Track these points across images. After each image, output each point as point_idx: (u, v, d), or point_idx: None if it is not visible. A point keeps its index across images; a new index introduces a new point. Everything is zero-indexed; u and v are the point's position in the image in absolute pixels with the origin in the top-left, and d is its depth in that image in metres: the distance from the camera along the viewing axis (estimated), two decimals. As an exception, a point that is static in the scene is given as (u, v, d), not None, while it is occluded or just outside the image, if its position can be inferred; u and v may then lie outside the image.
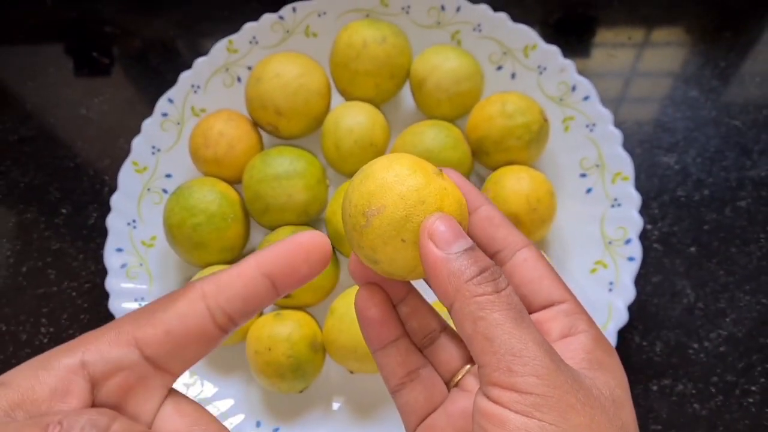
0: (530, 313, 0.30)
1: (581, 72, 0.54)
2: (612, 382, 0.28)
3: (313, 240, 0.29)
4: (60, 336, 0.56)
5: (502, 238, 0.31)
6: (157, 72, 0.65)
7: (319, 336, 0.50)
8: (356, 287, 0.50)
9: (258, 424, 0.51)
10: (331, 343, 0.48)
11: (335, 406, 0.52)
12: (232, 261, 0.53)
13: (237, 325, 0.29)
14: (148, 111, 0.57)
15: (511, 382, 0.25)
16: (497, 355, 0.26)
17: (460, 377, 0.33)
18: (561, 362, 0.26)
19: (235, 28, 0.57)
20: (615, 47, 0.62)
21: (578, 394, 0.25)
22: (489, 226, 0.31)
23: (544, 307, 0.30)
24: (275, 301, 0.32)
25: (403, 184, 0.28)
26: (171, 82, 0.57)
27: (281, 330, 0.48)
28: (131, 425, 0.23)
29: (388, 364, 0.32)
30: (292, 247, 0.29)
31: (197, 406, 0.27)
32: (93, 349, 0.25)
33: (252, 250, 0.52)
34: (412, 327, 0.33)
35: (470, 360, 0.33)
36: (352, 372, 0.50)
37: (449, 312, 0.27)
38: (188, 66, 0.57)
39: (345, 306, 0.49)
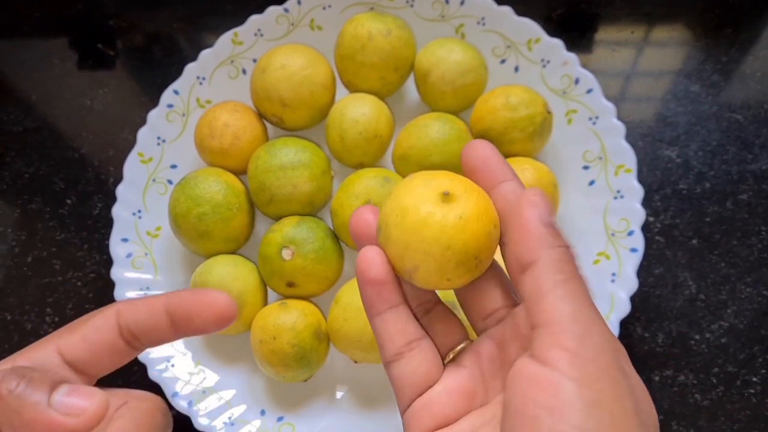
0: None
1: (584, 67, 0.54)
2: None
3: (215, 302, 0.32)
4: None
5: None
6: (161, 65, 0.66)
7: (324, 325, 0.50)
8: None
9: (262, 413, 0.51)
10: (335, 332, 0.49)
11: (339, 394, 0.52)
12: (236, 251, 0.54)
13: (143, 346, 0.33)
14: (152, 103, 0.57)
15: (578, 348, 0.25)
16: (570, 319, 0.26)
17: (458, 350, 0.32)
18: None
19: (238, 23, 0.58)
20: (617, 43, 0.62)
21: (622, 374, 0.25)
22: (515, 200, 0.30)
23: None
24: (178, 339, 0.34)
25: (423, 240, 0.29)
26: (175, 74, 0.58)
27: (286, 319, 0.48)
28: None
29: (387, 332, 0.32)
30: (198, 300, 0.32)
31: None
32: (24, 356, 0.29)
33: (257, 240, 0.52)
34: (407, 291, 0.32)
35: (465, 337, 0.33)
36: (356, 361, 0.50)
37: (524, 271, 0.27)
38: (192, 59, 0.58)
39: (349, 296, 0.49)
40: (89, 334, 0.32)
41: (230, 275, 0.50)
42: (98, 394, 0.29)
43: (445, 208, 0.29)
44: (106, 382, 0.31)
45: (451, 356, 0.32)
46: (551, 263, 0.27)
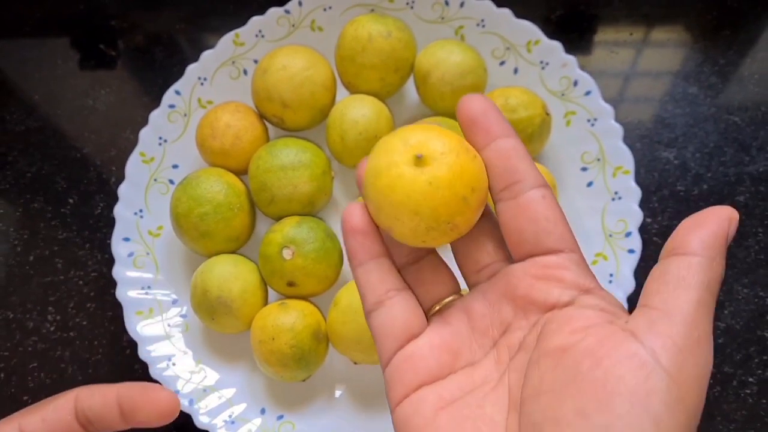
0: (539, 254, 0.29)
1: (583, 68, 0.55)
2: None
3: (158, 400, 0.36)
4: (66, 324, 0.57)
5: (523, 170, 0.30)
6: (163, 65, 0.66)
7: (323, 326, 0.50)
8: None
9: (263, 411, 0.51)
10: (334, 334, 0.49)
11: (339, 393, 0.52)
12: (237, 250, 0.54)
13: (96, 429, 0.37)
14: (154, 103, 0.58)
15: (685, 346, 0.24)
16: (692, 322, 0.25)
17: (445, 302, 0.32)
18: None
19: (240, 23, 0.58)
20: (616, 44, 0.63)
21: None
22: (514, 156, 0.30)
23: (554, 252, 0.29)
24: (127, 427, 0.37)
25: (392, 204, 0.29)
26: (176, 75, 0.58)
27: (285, 320, 0.49)
28: None
29: (369, 281, 0.32)
30: (144, 395, 0.36)
31: None
32: None
33: (258, 240, 0.53)
34: (393, 240, 0.32)
35: (456, 290, 0.33)
36: (356, 362, 0.50)
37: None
38: (193, 60, 0.58)
39: (348, 298, 0.49)
40: (48, 415, 0.36)
41: (231, 275, 0.50)
42: None
43: (415, 172, 0.29)
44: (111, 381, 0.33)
45: (437, 308, 0.32)
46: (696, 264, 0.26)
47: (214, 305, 0.50)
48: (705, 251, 0.26)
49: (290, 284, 0.50)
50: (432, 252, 0.33)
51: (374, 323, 0.32)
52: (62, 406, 0.37)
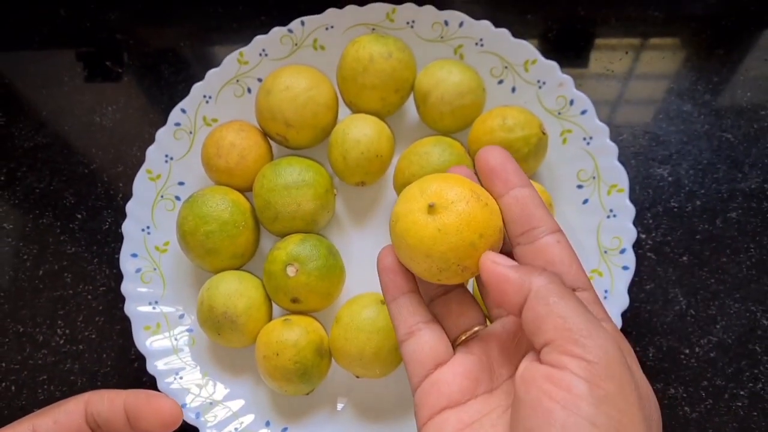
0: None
1: (579, 86, 0.56)
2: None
3: (161, 409, 0.39)
4: (76, 337, 0.58)
5: (539, 217, 0.34)
6: (168, 82, 0.67)
7: (326, 341, 0.52)
8: (359, 297, 0.52)
9: (267, 424, 0.53)
10: (336, 350, 0.51)
11: (341, 406, 0.54)
12: (242, 266, 0.55)
13: None
14: (160, 119, 0.59)
15: (584, 354, 0.28)
16: (571, 330, 0.28)
17: (467, 335, 0.35)
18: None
19: (244, 40, 0.59)
20: (612, 62, 0.64)
21: (628, 373, 0.28)
22: (530, 204, 0.34)
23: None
24: None
25: (408, 247, 0.34)
26: (182, 91, 0.59)
27: (289, 336, 0.50)
28: None
29: (400, 314, 0.36)
30: (148, 403, 0.39)
31: None
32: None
33: (262, 255, 0.54)
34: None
35: (481, 321, 0.36)
36: (357, 376, 0.52)
37: (523, 305, 0.30)
38: (198, 76, 0.59)
39: (349, 315, 0.51)
40: (60, 417, 0.38)
41: (236, 291, 0.52)
42: None
43: (427, 219, 0.33)
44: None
45: (462, 338, 0.35)
46: (539, 291, 0.30)
47: (220, 321, 0.51)
48: (523, 291, 0.31)
49: (294, 300, 0.52)
50: (459, 286, 0.37)
51: (405, 351, 0.36)
52: (73, 409, 0.39)
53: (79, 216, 0.63)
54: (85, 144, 0.65)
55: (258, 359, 0.51)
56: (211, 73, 0.59)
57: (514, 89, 0.59)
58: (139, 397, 0.42)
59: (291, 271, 0.51)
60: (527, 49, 0.57)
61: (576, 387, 0.27)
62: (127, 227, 0.56)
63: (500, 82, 0.59)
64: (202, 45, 0.69)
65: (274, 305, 0.55)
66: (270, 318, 0.54)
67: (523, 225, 0.34)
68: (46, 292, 0.60)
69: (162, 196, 0.58)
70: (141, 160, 0.58)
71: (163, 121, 0.58)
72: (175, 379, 0.53)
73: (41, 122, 0.67)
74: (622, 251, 0.52)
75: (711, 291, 0.56)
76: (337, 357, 0.51)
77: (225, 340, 0.52)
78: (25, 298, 0.60)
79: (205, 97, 0.60)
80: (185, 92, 0.59)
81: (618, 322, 0.50)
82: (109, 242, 0.61)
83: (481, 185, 0.36)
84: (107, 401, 0.41)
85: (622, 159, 0.54)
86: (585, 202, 0.55)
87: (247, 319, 0.52)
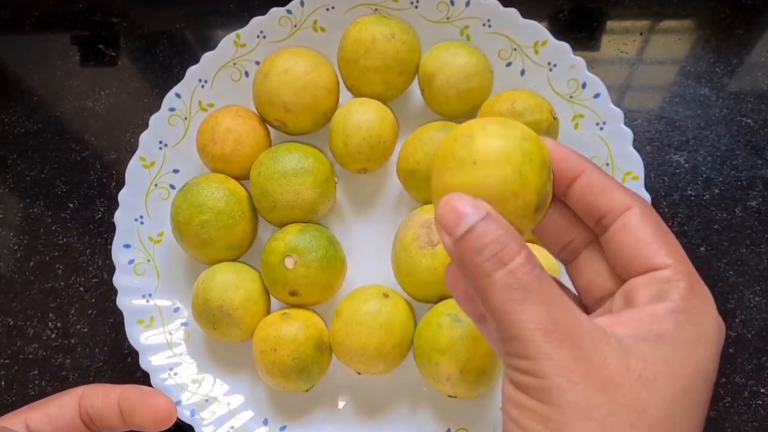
0: (627, 279, 0.30)
1: (591, 69, 0.53)
2: (664, 359, 0.27)
3: (155, 406, 0.40)
4: (67, 331, 0.56)
5: (603, 205, 0.30)
6: (163, 65, 0.65)
7: (326, 336, 0.50)
8: (361, 289, 0.50)
9: (265, 422, 0.51)
10: (337, 345, 0.49)
11: (342, 404, 0.52)
12: (239, 257, 0.53)
13: (98, 428, 0.40)
14: (155, 104, 0.57)
15: (519, 366, 0.26)
16: (504, 339, 0.27)
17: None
18: (565, 340, 0.26)
19: (242, 21, 0.57)
20: (625, 43, 0.61)
21: (576, 373, 0.25)
22: (588, 194, 0.30)
23: (641, 273, 0.29)
24: (127, 429, 0.41)
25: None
26: (177, 75, 0.57)
27: (287, 330, 0.48)
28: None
29: (489, 337, 0.33)
30: (142, 399, 0.40)
31: None
32: None
33: (260, 247, 0.52)
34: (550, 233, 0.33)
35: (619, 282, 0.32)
36: (359, 373, 0.50)
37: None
38: (195, 59, 0.57)
39: (351, 310, 0.48)
40: (53, 411, 0.39)
41: (232, 284, 0.50)
42: None
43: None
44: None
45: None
46: (473, 287, 0.28)
47: (215, 315, 0.49)
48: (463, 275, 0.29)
49: (293, 293, 0.49)
50: (591, 244, 0.33)
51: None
52: (67, 403, 0.40)
53: (71, 205, 0.60)
54: (78, 130, 0.63)
55: (255, 355, 0.49)
56: (207, 57, 0.57)
57: (523, 72, 0.56)
58: (133, 393, 0.41)
59: (289, 262, 0.48)
60: (537, 29, 0.55)
61: (530, 408, 0.27)
62: (119, 217, 0.54)
63: (509, 64, 0.56)
64: (199, 27, 0.67)
65: (272, 298, 0.52)
66: (268, 312, 0.52)
67: (589, 220, 0.31)
68: (37, 284, 0.58)
69: (156, 185, 0.56)
70: (135, 147, 0.55)
71: (158, 107, 0.56)
72: (169, 375, 0.51)
73: (32, 108, 0.64)
74: (637, 242, 0.49)
75: (730, 283, 0.53)
76: (337, 352, 0.49)
77: (221, 335, 0.50)
78: (15, 290, 0.58)
79: (200, 81, 0.57)
80: (181, 76, 0.57)
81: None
82: (101, 232, 0.59)
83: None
84: (101, 396, 0.40)
85: (637, 145, 0.51)
86: (598, 190, 0.52)
87: (244, 312, 0.49)
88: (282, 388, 0.49)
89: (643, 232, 0.29)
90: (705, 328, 0.28)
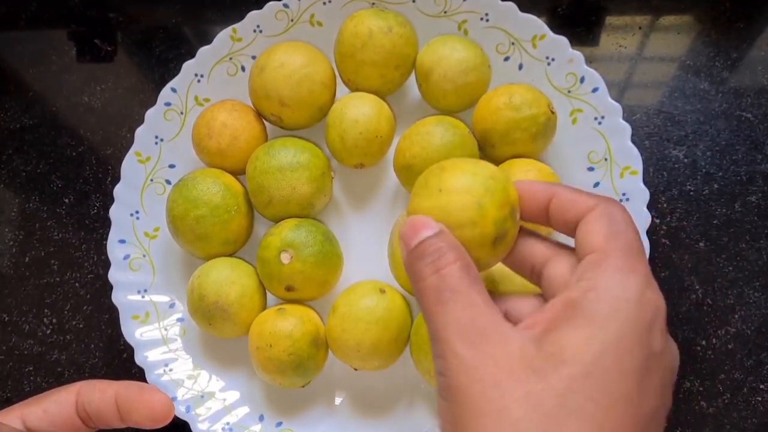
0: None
1: (589, 63, 0.53)
2: (567, 345, 0.26)
3: (153, 403, 0.40)
4: (63, 327, 0.56)
5: (573, 216, 0.31)
6: (160, 60, 0.65)
7: (322, 331, 0.49)
8: (357, 285, 0.49)
9: (261, 418, 0.50)
10: (333, 341, 0.48)
11: (338, 400, 0.52)
12: (235, 252, 0.53)
13: (94, 424, 0.40)
14: (151, 99, 0.56)
15: (437, 366, 0.28)
16: (431, 342, 0.29)
17: None
18: (477, 340, 0.27)
19: (238, 16, 0.56)
20: (624, 37, 0.61)
21: (479, 371, 0.26)
22: (561, 213, 0.32)
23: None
24: (124, 425, 0.41)
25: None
26: (174, 69, 0.57)
27: (283, 326, 0.47)
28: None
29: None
30: (140, 396, 0.40)
31: None
32: None
33: (256, 242, 0.52)
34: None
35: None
36: (356, 369, 0.49)
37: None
38: (191, 54, 0.56)
39: (347, 305, 0.48)
40: (50, 407, 0.38)
41: (228, 279, 0.49)
42: None
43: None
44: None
45: None
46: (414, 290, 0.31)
47: (211, 310, 0.49)
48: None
49: (289, 289, 0.49)
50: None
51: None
52: (64, 399, 0.40)
53: (67, 200, 0.60)
54: (73, 125, 0.63)
55: (251, 351, 0.49)
56: (203, 51, 0.56)
57: (521, 66, 0.56)
58: (130, 389, 0.41)
59: (285, 258, 0.48)
60: (535, 24, 0.54)
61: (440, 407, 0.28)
62: (114, 212, 0.54)
63: (506, 59, 0.56)
64: (195, 22, 0.66)
65: (268, 294, 0.52)
66: (264, 307, 0.51)
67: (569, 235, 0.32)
68: (33, 280, 0.58)
69: (152, 180, 0.56)
70: (131, 142, 0.55)
71: (154, 101, 0.56)
72: (165, 371, 0.51)
73: (28, 103, 0.64)
74: (636, 237, 0.49)
75: (729, 279, 0.53)
76: (333, 348, 0.49)
77: (217, 331, 0.50)
78: (10, 286, 0.58)
79: (196, 75, 0.57)
80: (177, 71, 0.56)
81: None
82: (97, 228, 0.59)
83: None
84: (98, 392, 0.40)
85: (635, 140, 0.51)
86: (596, 185, 0.52)
87: (240, 308, 0.49)
88: (278, 384, 0.48)
89: (594, 225, 0.30)
90: (616, 304, 0.27)
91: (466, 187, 0.31)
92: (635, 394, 0.25)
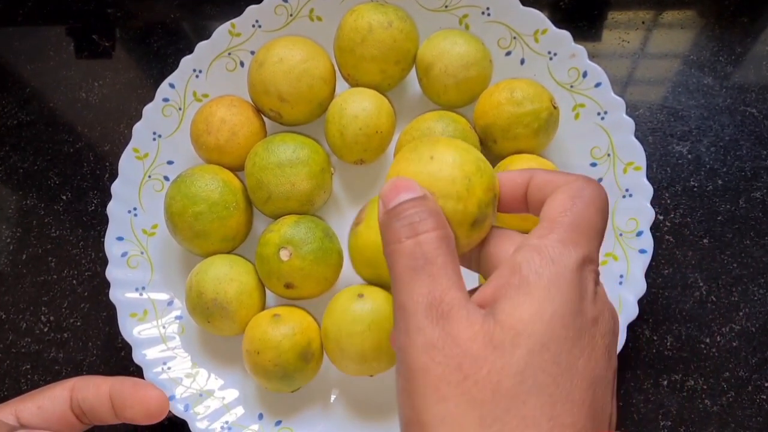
0: None
1: (592, 58, 0.52)
2: (521, 316, 0.26)
3: (148, 399, 0.40)
4: (60, 325, 0.56)
5: (547, 195, 0.31)
6: (158, 56, 0.64)
7: (315, 343, 0.48)
8: (335, 300, 0.48)
9: (260, 417, 0.50)
10: (339, 363, 0.48)
11: (337, 400, 0.51)
12: (233, 250, 0.52)
13: (89, 421, 0.39)
14: (149, 95, 0.56)
15: (396, 342, 0.27)
16: (394, 309, 0.28)
17: None
18: (442, 318, 0.26)
19: (237, 11, 0.56)
20: (627, 32, 0.60)
21: (441, 353, 0.25)
22: (538, 192, 0.32)
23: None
24: (119, 421, 0.40)
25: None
26: (172, 65, 0.56)
27: (273, 335, 0.46)
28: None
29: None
30: (134, 392, 0.39)
31: None
32: None
33: (255, 239, 0.51)
34: None
35: None
36: (371, 375, 0.48)
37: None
38: (190, 49, 0.56)
39: (335, 327, 0.46)
40: (44, 403, 0.38)
41: (226, 276, 0.49)
42: None
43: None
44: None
45: None
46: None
47: (209, 308, 0.48)
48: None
49: (288, 286, 0.48)
50: None
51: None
52: (59, 395, 0.39)
53: (64, 197, 0.60)
54: (71, 121, 0.62)
55: (243, 351, 0.48)
56: (201, 46, 0.56)
57: (523, 61, 0.55)
58: (125, 385, 0.41)
59: (284, 254, 0.47)
60: (537, 18, 0.54)
61: None
62: (112, 209, 0.53)
63: (508, 53, 0.55)
64: (194, 17, 0.66)
65: (268, 292, 0.51)
66: (263, 305, 0.51)
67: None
68: (30, 277, 0.57)
69: (150, 176, 0.55)
70: (129, 138, 0.55)
71: (152, 97, 0.55)
72: (163, 369, 0.50)
73: (25, 99, 0.63)
74: (639, 234, 0.48)
75: (733, 276, 0.52)
76: (343, 369, 0.47)
77: (215, 328, 0.49)
78: (7, 284, 0.57)
79: (194, 71, 0.56)
80: (175, 67, 0.56)
81: (634, 309, 0.47)
82: (94, 225, 0.58)
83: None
84: (93, 388, 0.40)
85: (639, 135, 0.50)
86: (599, 181, 0.51)
87: (239, 305, 0.49)
88: (266, 387, 0.48)
89: (555, 199, 0.30)
90: (558, 269, 0.27)
91: (458, 162, 0.31)
92: (582, 361, 0.25)
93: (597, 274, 0.29)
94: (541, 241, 0.28)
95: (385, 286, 0.48)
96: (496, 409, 0.24)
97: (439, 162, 0.31)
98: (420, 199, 0.29)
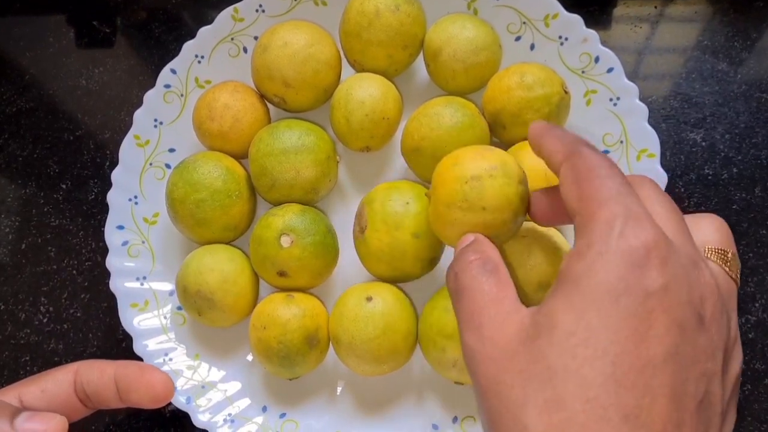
0: None
1: (603, 43, 0.51)
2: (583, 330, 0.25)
3: (153, 382, 0.39)
4: (60, 315, 0.55)
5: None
6: (160, 42, 0.63)
7: (323, 332, 0.47)
8: (343, 302, 0.47)
9: (264, 409, 0.49)
10: (355, 368, 0.47)
11: (343, 392, 0.50)
12: (235, 240, 0.51)
13: (93, 405, 0.39)
14: (150, 82, 0.54)
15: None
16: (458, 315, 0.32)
17: None
18: (482, 326, 0.29)
19: (240, -4, 0.55)
20: (639, 18, 0.59)
21: (488, 351, 0.28)
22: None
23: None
24: (123, 405, 0.40)
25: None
26: (174, 52, 0.55)
27: (282, 313, 0.46)
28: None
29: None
30: (139, 376, 0.39)
31: None
32: None
33: (258, 228, 0.50)
34: None
35: None
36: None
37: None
38: (191, 35, 0.55)
39: (347, 334, 0.45)
40: (48, 386, 0.38)
41: (206, 267, 0.47)
42: (56, 418, 0.33)
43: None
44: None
45: None
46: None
47: (196, 301, 0.47)
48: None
49: (281, 274, 0.47)
50: None
51: None
52: (63, 379, 0.39)
53: (64, 186, 0.58)
54: (71, 109, 0.61)
55: (250, 327, 0.47)
56: (204, 31, 0.55)
57: (533, 46, 0.54)
58: (130, 369, 0.41)
59: (286, 241, 0.46)
60: (548, 2, 0.52)
61: None
62: (112, 197, 0.52)
63: (518, 38, 0.54)
64: (196, 3, 0.65)
65: (262, 282, 0.50)
66: (253, 291, 0.50)
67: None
68: (29, 267, 0.56)
69: (151, 164, 0.54)
70: (129, 126, 0.53)
71: (154, 84, 0.54)
72: (164, 360, 0.49)
73: (24, 86, 0.62)
74: (653, 222, 0.47)
75: (749, 266, 0.51)
76: (360, 373, 0.47)
77: (208, 320, 0.48)
78: (6, 274, 0.56)
79: (197, 56, 0.55)
80: (177, 53, 0.55)
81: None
82: (95, 213, 0.57)
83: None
84: (97, 372, 0.40)
85: (652, 123, 0.49)
86: (611, 168, 0.50)
87: (224, 294, 0.47)
88: (264, 368, 0.47)
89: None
90: (605, 258, 0.26)
91: (506, 201, 0.36)
92: (629, 342, 0.24)
93: (650, 233, 0.27)
94: (579, 250, 0.29)
95: (400, 279, 0.48)
96: (532, 402, 0.25)
97: (492, 212, 0.36)
98: (476, 241, 0.35)
